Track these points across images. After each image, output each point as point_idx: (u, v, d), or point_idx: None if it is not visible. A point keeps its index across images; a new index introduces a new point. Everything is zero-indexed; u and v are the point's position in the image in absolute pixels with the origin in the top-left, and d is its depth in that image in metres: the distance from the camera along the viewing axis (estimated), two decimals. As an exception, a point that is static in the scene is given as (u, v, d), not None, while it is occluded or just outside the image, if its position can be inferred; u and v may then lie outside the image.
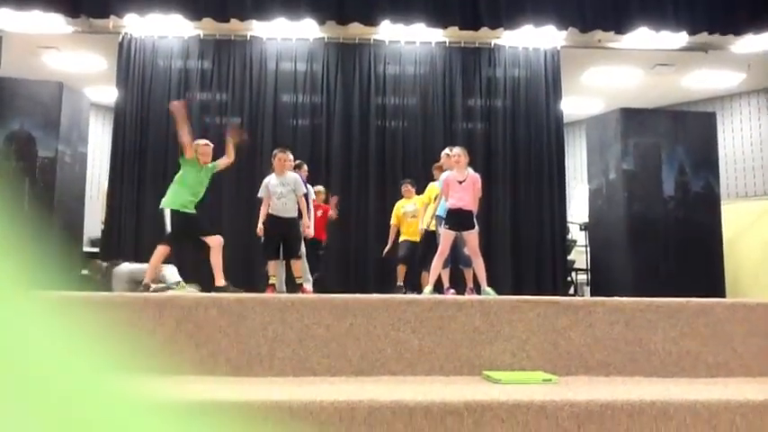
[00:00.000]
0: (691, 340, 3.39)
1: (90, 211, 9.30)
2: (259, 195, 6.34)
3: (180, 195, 5.62)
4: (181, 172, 5.72)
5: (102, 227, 9.05)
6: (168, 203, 5.59)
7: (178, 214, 5.54)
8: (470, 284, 6.50)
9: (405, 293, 6.83)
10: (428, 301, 3.41)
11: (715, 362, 3.38)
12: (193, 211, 5.66)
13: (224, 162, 5.95)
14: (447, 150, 6.55)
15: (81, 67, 9.78)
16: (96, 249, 9.05)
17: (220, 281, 5.49)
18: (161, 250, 5.52)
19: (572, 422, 2.47)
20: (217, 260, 5.53)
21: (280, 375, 3.13)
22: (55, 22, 8.13)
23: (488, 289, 5.80)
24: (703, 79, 10.16)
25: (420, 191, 7.39)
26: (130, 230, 8.48)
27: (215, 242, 5.57)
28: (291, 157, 6.61)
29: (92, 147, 9.38)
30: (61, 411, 1.06)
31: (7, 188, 6.43)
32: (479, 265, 5.91)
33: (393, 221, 7.61)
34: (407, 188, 7.60)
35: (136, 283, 6.03)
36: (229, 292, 5.08)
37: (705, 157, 8.68)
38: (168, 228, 5.53)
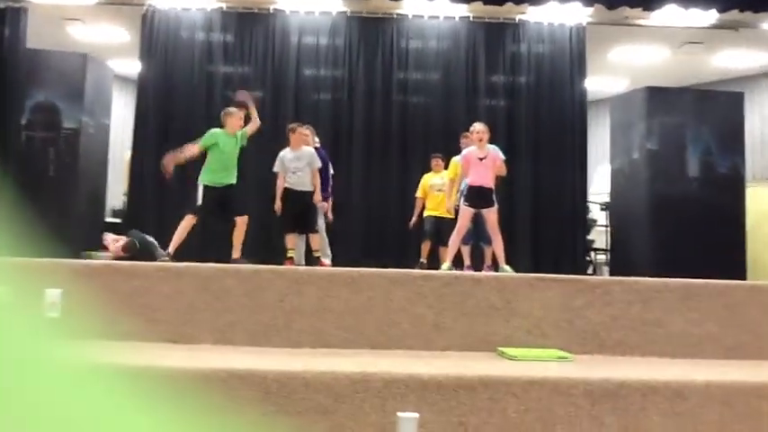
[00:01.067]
0: (709, 322, 3.37)
1: (113, 182, 9.40)
2: (274, 170, 6.37)
3: (210, 170, 5.76)
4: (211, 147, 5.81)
5: (125, 198, 9.15)
6: (201, 179, 5.76)
7: (209, 189, 5.69)
8: (488, 262, 6.52)
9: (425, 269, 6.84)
10: (445, 276, 3.42)
11: (732, 344, 3.35)
12: (227, 185, 5.75)
13: (252, 127, 5.99)
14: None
15: (105, 39, 9.82)
16: (119, 220, 9.16)
17: (237, 254, 5.66)
18: (188, 220, 5.67)
19: (586, 400, 2.47)
20: (239, 236, 5.70)
21: (296, 347, 3.17)
22: (80, -7, 8.17)
23: (506, 267, 5.80)
24: (732, 58, 9.95)
25: (443, 166, 7.39)
26: (152, 202, 8.55)
27: (241, 220, 5.71)
28: (309, 132, 6.63)
29: (115, 119, 9.45)
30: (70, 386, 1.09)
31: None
32: (498, 243, 5.91)
33: (419, 194, 7.58)
34: (437, 162, 7.54)
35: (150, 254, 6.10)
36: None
37: (731, 138, 8.53)
38: (199, 201, 5.71)
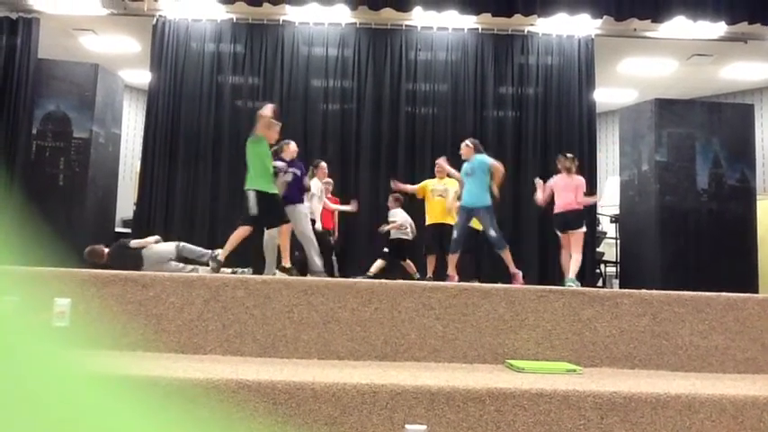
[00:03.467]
0: (719, 335, 3.35)
1: (123, 192, 9.45)
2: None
3: (264, 177, 5.72)
4: (257, 154, 5.75)
5: (135, 208, 9.19)
6: (254, 185, 5.68)
7: (265, 195, 5.65)
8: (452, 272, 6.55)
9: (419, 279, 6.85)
10: (453, 287, 3.41)
11: (744, 357, 3.33)
12: (274, 192, 5.77)
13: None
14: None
15: (116, 50, 9.90)
16: (129, 230, 9.20)
17: (287, 262, 5.75)
18: (242, 231, 5.66)
19: (595, 413, 2.46)
20: (285, 242, 5.79)
21: (304, 357, 3.17)
22: (90, 4, 8.23)
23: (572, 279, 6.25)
24: (742, 70, 9.93)
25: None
26: (162, 211, 8.59)
27: (287, 227, 5.79)
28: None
29: (125, 128, 9.52)
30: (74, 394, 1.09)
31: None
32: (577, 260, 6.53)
33: (416, 189, 7.50)
34: (440, 167, 7.48)
35: (162, 264, 6.19)
36: (292, 275, 5.20)
37: (741, 150, 8.51)
38: (255, 210, 5.62)
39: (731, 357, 3.32)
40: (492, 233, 6.27)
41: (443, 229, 7.07)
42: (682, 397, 2.50)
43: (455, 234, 6.44)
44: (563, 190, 6.68)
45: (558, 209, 6.71)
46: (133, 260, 6.08)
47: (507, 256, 6.40)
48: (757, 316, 3.40)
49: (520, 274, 6.43)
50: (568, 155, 6.91)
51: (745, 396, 2.54)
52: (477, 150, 6.57)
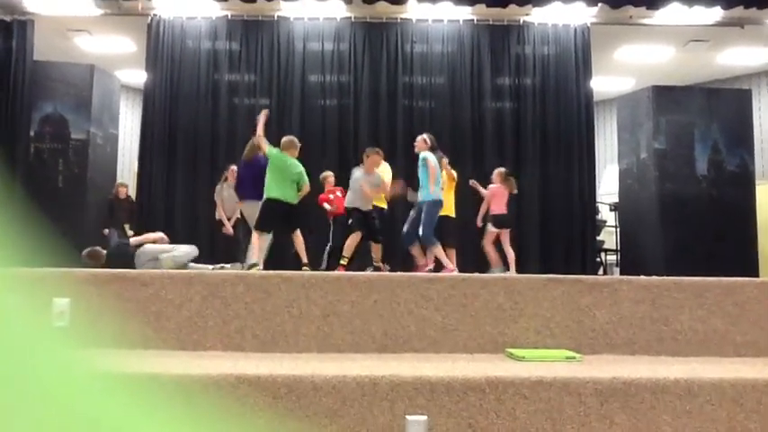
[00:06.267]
0: (718, 319, 3.35)
1: (121, 192, 9.43)
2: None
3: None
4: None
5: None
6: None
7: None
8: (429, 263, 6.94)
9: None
10: (452, 278, 3.41)
11: (743, 341, 3.33)
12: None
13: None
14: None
15: (111, 50, 9.89)
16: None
17: (305, 259, 6.23)
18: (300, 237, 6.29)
19: (595, 399, 2.46)
20: (301, 245, 6.30)
21: (304, 351, 3.17)
22: (85, 5, 8.22)
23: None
24: (739, 55, 9.91)
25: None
26: (160, 210, 8.60)
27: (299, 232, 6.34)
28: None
29: (122, 128, 9.52)
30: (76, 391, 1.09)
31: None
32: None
33: None
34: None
35: (156, 261, 6.20)
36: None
37: (740, 136, 8.50)
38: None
39: (730, 341, 3.33)
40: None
41: (444, 221, 7.04)
42: (681, 381, 2.50)
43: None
44: (501, 196, 7.42)
45: (500, 210, 7.37)
46: (128, 259, 6.07)
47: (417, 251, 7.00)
48: (756, 300, 3.39)
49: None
50: (502, 169, 7.66)
51: (745, 379, 2.54)
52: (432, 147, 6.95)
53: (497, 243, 7.37)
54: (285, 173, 6.09)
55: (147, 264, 6.06)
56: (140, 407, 1.13)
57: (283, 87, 8.95)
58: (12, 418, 0.95)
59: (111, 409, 1.07)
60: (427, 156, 6.71)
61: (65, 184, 8.08)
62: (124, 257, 6.08)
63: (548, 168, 8.92)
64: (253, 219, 6.37)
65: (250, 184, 6.56)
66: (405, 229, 7.01)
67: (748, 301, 3.39)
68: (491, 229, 7.35)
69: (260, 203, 6.25)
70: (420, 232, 6.63)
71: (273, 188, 6.06)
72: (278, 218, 6.11)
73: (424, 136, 7.00)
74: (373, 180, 6.75)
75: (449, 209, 7.05)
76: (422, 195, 6.69)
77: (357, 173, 6.87)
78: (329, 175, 7.87)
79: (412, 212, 7.01)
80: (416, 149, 6.94)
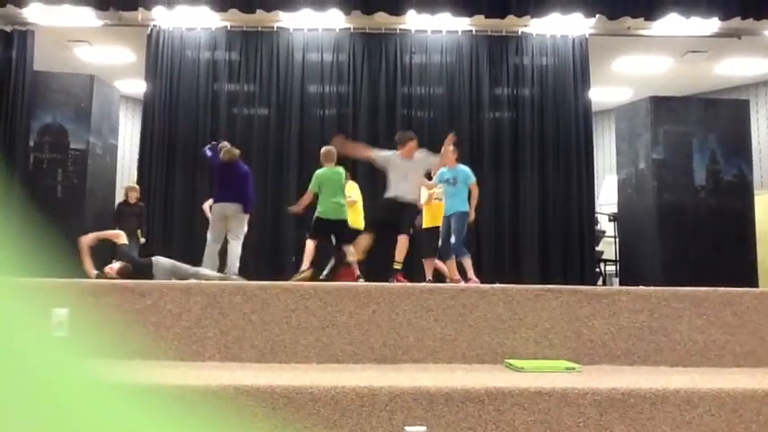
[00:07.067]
0: (717, 330, 3.35)
1: (121, 203, 9.42)
2: None
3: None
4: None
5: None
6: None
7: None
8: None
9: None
10: (450, 289, 3.41)
11: (742, 351, 3.33)
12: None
13: None
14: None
15: (111, 60, 9.93)
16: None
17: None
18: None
19: (594, 410, 2.46)
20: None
21: (303, 362, 3.17)
22: (85, 16, 8.25)
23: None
24: (736, 66, 9.95)
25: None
26: (160, 220, 8.60)
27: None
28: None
29: (122, 139, 9.53)
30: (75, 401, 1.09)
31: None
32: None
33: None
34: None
35: (173, 274, 6.09)
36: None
37: (737, 146, 8.53)
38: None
39: (729, 351, 3.33)
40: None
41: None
42: (681, 392, 2.50)
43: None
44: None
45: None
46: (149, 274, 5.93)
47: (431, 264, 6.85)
48: (755, 310, 3.40)
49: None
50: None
51: (744, 389, 2.54)
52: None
53: None
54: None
55: (168, 277, 5.92)
56: (139, 417, 1.13)
57: (282, 98, 8.97)
58: (12, 428, 0.96)
59: (110, 419, 1.07)
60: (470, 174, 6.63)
61: (64, 194, 8.08)
62: (145, 272, 5.87)
63: (546, 179, 8.93)
64: (236, 221, 6.47)
65: (233, 187, 6.62)
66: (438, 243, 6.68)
67: (747, 312, 3.39)
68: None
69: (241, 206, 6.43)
70: (452, 243, 6.37)
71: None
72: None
73: (452, 147, 6.58)
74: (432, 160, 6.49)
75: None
76: (453, 207, 6.46)
77: (396, 159, 6.36)
78: None
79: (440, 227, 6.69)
80: (449, 163, 6.60)
